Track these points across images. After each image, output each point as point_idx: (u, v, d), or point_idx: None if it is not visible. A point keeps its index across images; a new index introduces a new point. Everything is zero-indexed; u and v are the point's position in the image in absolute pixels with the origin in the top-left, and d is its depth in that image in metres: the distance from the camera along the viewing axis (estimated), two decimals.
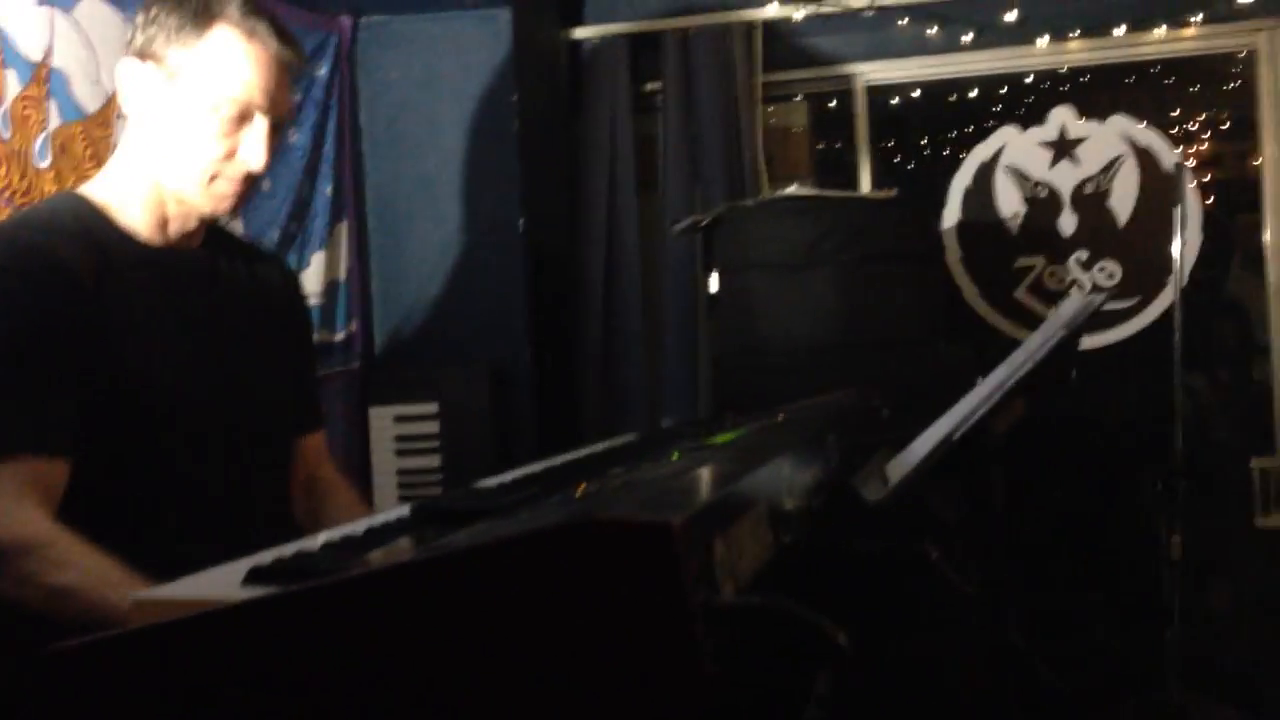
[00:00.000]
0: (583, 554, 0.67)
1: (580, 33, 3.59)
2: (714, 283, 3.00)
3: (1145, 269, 3.37)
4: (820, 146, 4.02)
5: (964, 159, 3.60)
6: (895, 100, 4.35)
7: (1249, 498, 3.29)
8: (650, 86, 3.61)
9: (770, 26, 3.52)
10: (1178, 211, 3.16)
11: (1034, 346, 1.62)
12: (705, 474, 0.98)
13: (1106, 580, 3.52)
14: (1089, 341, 3.43)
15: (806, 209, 2.89)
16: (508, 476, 1.39)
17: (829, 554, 1.51)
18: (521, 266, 3.07)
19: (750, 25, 3.48)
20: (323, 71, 2.95)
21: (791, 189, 3.09)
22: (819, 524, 1.35)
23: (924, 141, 4.94)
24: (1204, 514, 3.04)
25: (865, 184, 3.66)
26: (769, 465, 1.06)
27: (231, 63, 1.39)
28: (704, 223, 3.03)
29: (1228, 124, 5.51)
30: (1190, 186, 3.26)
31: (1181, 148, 5.04)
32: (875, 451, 1.81)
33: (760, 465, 1.03)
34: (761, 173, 3.48)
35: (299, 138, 2.87)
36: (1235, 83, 3.87)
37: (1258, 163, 3.48)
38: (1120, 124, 3.42)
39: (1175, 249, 3.15)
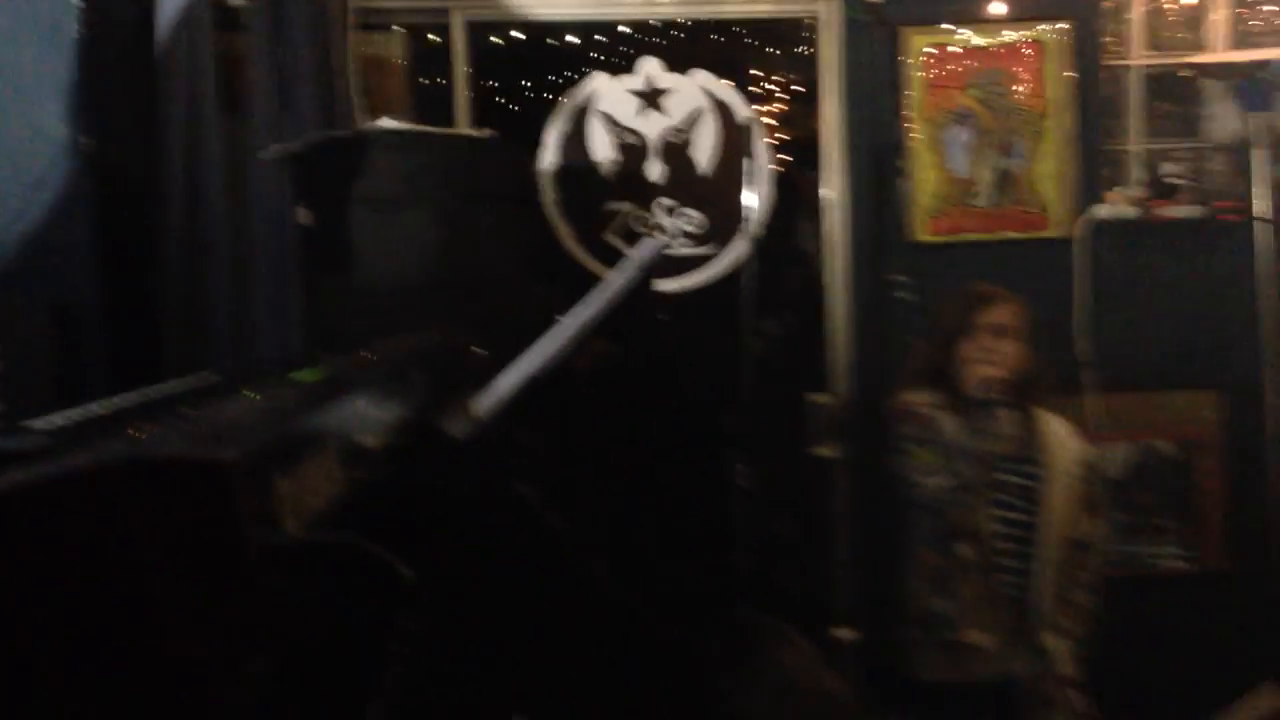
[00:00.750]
0: (139, 493, 0.64)
1: None
2: (304, 215, 2.90)
3: (722, 218, 3.60)
4: (420, 81, 3.95)
5: (562, 103, 3.67)
6: (497, 40, 4.36)
7: (807, 430, 3.62)
8: (236, 1, 3.39)
9: None
10: (749, 165, 3.41)
11: (611, 287, 1.70)
12: (275, 411, 0.95)
13: (682, 510, 3.77)
14: (671, 286, 3.64)
15: (402, 144, 2.85)
16: (65, 416, 1.28)
17: (416, 492, 1.51)
18: (86, 191, 2.82)
19: None
20: None
21: (386, 122, 3.03)
22: (402, 462, 1.34)
23: (524, 83, 4.99)
24: (768, 446, 3.32)
25: (464, 122, 3.65)
26: (345, 402, 1.04)
27: None
28: (294, 152, 2.91)
29: (799, 86, 5.94)
30: (761, 142, 3.51)
31: (758, 106, 5.40)
32: (464, 390, 1.82)
33: (335, 402, 1.01)
34: (356, 104, 3.38)
35: None
36: (805, 48, 4.18)
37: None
38: (702, 78, 3.62)
39: (747, 200, 3.40)
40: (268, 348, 3.33)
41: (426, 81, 3.74)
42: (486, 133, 3.19)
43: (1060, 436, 2.68)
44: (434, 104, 3.67)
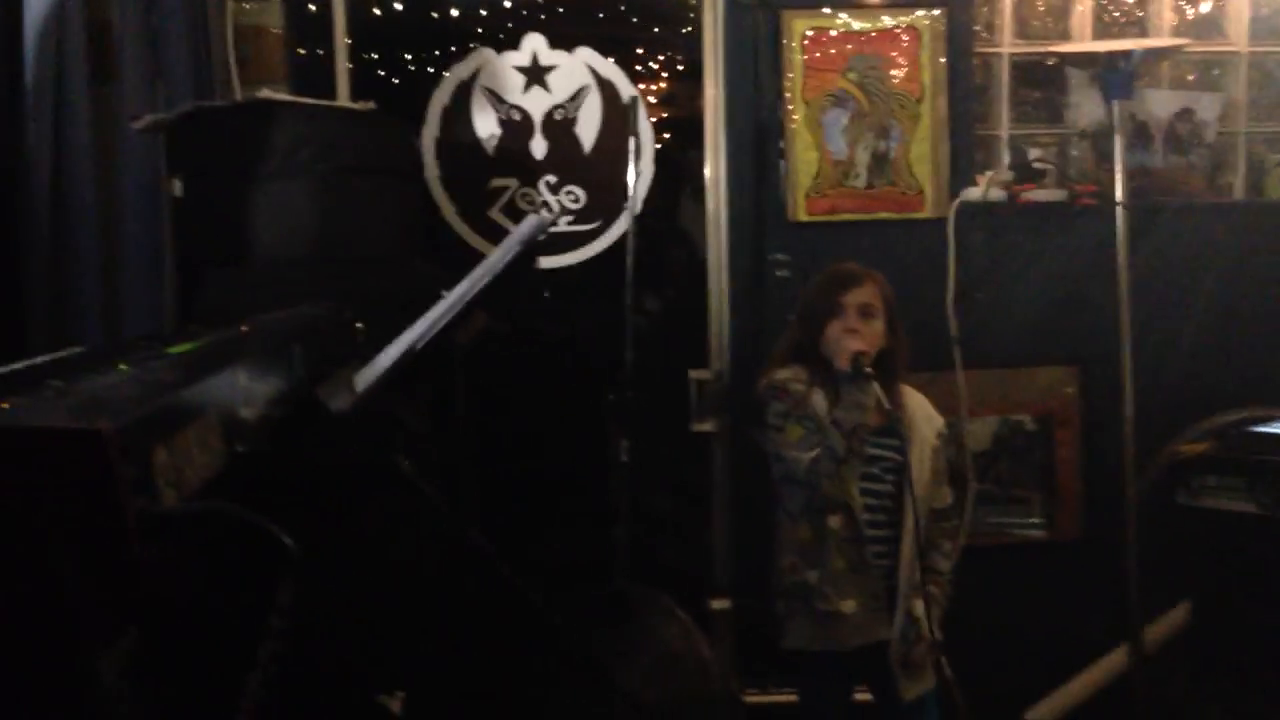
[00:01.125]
0: (11, 462, 0.64)
1: None
2: (178, 187, 2.83)
3: (606, 195, 3.63)
4: (299, 52, 3.88)
5: (445, 77, 3.65)
6: (378, 11, 4.29)
7: (686, 405, 3.68)
8: None
9: None
10: (633, 143, 3.44)
11: (493, 262, 1.71)
12: (150, 383, 0.95)
13: (564, 484, 3.80)
14: (555, 262, 3.66)
15: (280, 115, 2.80)
16: None
17: (297, 463, 1.51)
18: None
19: None
20: None
21: (263, 92, 2.98)
22: (282, 434, 1.34)
23: (406, 56, 4.92)
24: (649, 421, 3.37)
25: (344, 94, 3.60)
26: (223, 375, 1.04)
27: None
28: (167, 122, 2.84)
29: (682, 65, 5.96)
30: (644, 120, 3.54)
31: (642, 84, 5.42)
32: (345, 364, 1.82)
33: (213, 375, 1.01)
34: (232, 73, 3.31)
35: None
36: (689, 27, 4.21)
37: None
38: (586, 55, 3.64)
39: (630, 178, 3.43)
40: (139, 323, 3.25)
41: (305, 52, 3.67)
42: (367, 105, 3.15)
43: (921, 410, 2.80)
44: (313, 75, 3.61)
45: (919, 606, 2.68)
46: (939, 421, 2.83)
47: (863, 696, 2.88)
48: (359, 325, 2.19)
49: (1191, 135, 3.75)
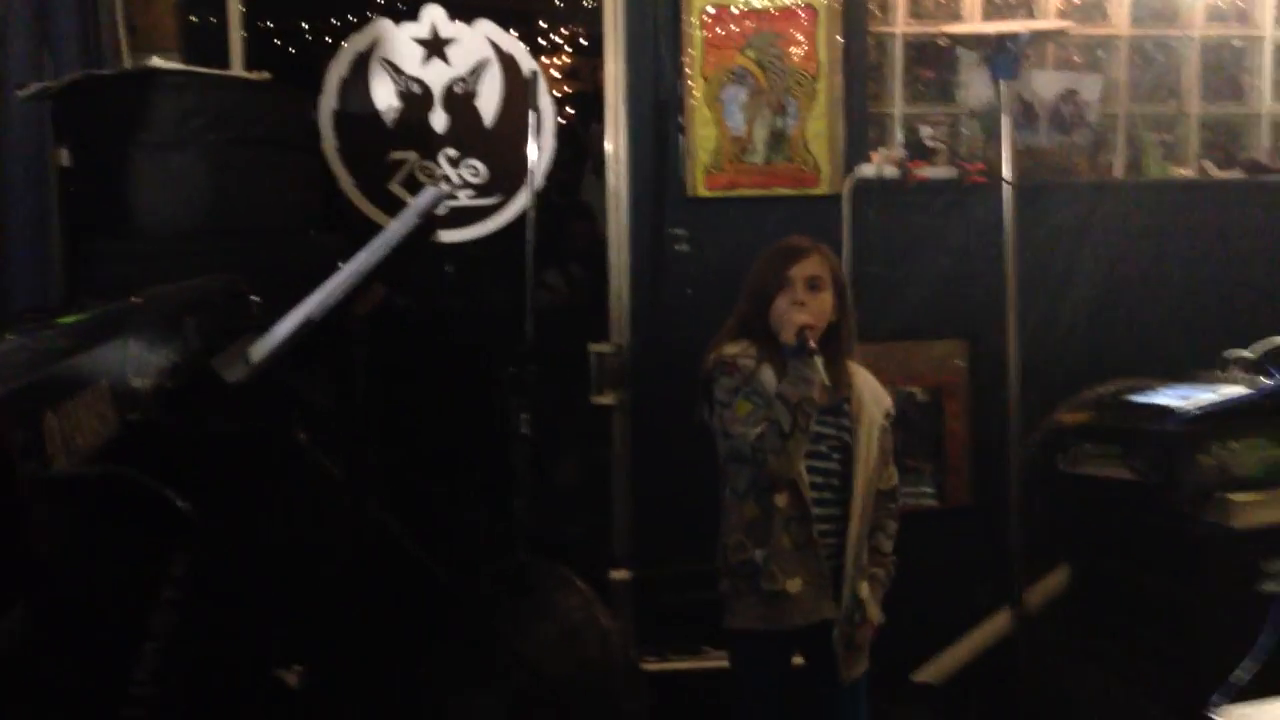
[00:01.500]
0: None
1: None
2: (66, 157, 2.77)
3: (507, 170, 3.62)
4: (192, 20, 3.80)
5: (343, 48, 3.61)
6: None
7: (588, 379, 3.71)
8: None
9: None
10: (533, 117, 3.45)
11: (390, 234, 1.72)
12: (40, 351, 0.95)
13: (465, 457, 3.81)
14: (456, 236, 3.65)
15: (173, 85, 2.75)
16: None
17: (192, 434, 1.51)
18: None
19: None
20: None
21: (155, 61, 2.92)
22: (176, 404, 1.34)
23: (303, 26, 4.85)
24: (550, 394, 3.39)
25: (238, 64, 3.54)
26: (114, 344, 1.04)
27: None
28: (55, 91, 2.77)
29: (585, 40, 5.95)
30: (545, 94, 3.55)
31: (544, 58, 5.41)
32: (241, 336, 1.81)
33: (104, 344, 1.01)
34: (122, 41, 3.23)
35: None
36: (591, 2, 4.22)
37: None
38: (486, 28, 3.62)
39: (531, 152, 3.44)
40: (26, 296, 3.17)
41: (198, 20, 3.60)
42: (261, 75, 3.11)
43: (870, 389, 2.75)
44: (206, 44, 3.54)
45: (865, 588, 2.66)
46: (887, 401, 2.78)
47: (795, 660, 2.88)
48: (255, 298, 2.17)
49: (1075, 115, 3.88)
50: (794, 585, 2.59)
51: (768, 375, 2.59)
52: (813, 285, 2.63)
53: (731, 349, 2.66)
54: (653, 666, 3.24)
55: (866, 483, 2.67)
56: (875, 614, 2.69)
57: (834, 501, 2.65)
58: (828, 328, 2.64)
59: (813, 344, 2.50)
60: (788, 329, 2.54)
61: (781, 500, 2.60)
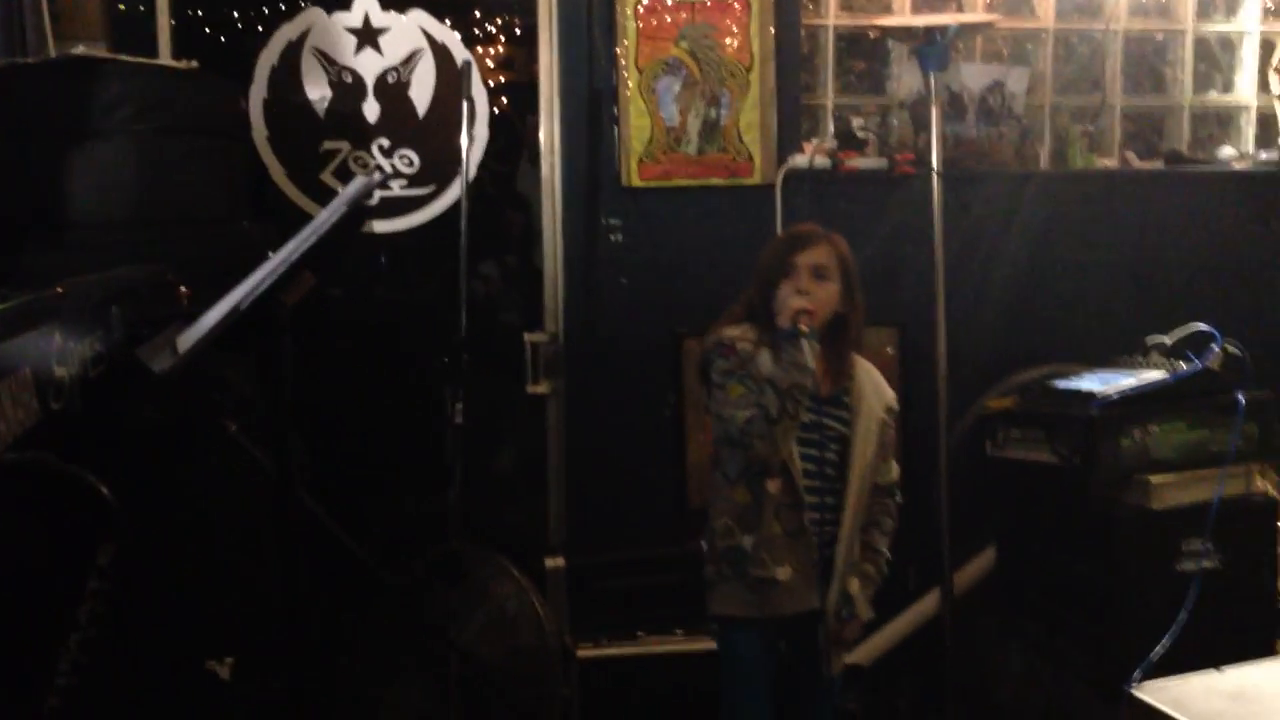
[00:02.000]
0: None
1: None
2: None
3: (440, 159, 3.62)
4: (119, 8, 3.75)
5: (273, 37, 3.57)
6: None
7: (522, 368, 3.72)
8: None
9: None
10: (466, 107, 3.45)
11: (319, 223, 1.72)
12: None
13: (400, 446, 3.81)
14: (390, 226, 3.64)
15: (97, 73, 2.72)
16: None
17: (119, 423, 1.50)
18: None
19: None
20: None
21: (80, 49, 2.88)
22: (101, 393, 1.34)
23: (233, 14, 4.79)
24: (485, 384, 3.39)
25: (166, 53, 3.50)
26: (37, 333, 1.04)
27: None
28: None
29: (520, 30, 5.92)
30: (478, 83, 3.54)
31: (479, 48, 5.39)
32: (168, 325, 1.80)
33: (26, 333, 1.01)
34: (46, 29, 3.17)
35: None
36: None
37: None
38: (420, 18, 3.61)
39: (464, 142, 3.44)
40: None
41: (125, 8, 3.55)
42: (189, 64, 3.07)
43: (871, 382, 2.74)
44: (133, 32, 3.49)
45: (855, 584, 2.66)
46: (889, 396, 2.76)
47: None
48: (184, 288, 2.16)
49: (1001, 107, 3.95)
50: (783, 573, 2.58)
51: (765, 360, 2.55)
52: (818, 274, 2.60)
53: (731, 331, 2.64)
54: (588, 653, 3.25)
55: (862, 476, 2.65)
56: (864, 611, 2.68)
57: (828, 491, 2.63)
58: (834, 318, 2.63)
59: (804, 328, 2.46)
60: (784, 314, 2.51)
61: (774, 487, 2.57)
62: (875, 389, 2.73)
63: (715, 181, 3.75)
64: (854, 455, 2.64)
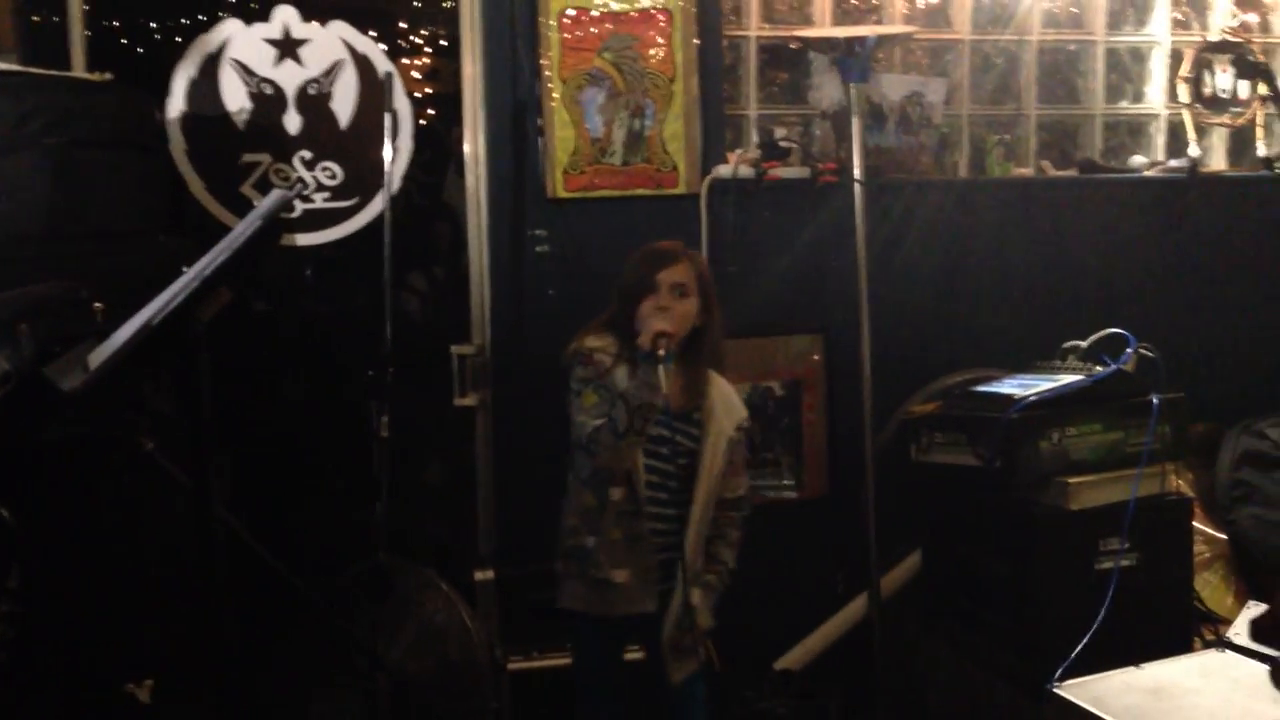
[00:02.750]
0: None
1: None
2: None
3: (364, 171, 3.59)
4: (33, 19, 3.67)
5: (191, 48, 3.52)
6: None
7: (450, 380, 3.70)
8: None
9: None
10: (389, 119, 3.43)
11: (234, 236, 1.70)
12: None
13: (325, 461, 3.76)
14: (314, 239, 3.61)
15: (7, 85, 2.67)
16: None
17: (27, 442, 1.47)
18: None
19: None
20: None
21: None
22: (8, 412, 1.31)
23: (150, 25, 4.72)
24: (412, 396, 3.37)
25: (80, 64, 3.44)
26: None
27: None
28: None
29: (445, 41, 5.90)
30: (401, 95, 3.53)
31: (403, 59, 5.36)
32: (81, 342, 1.77)
33: None
34: None
35: None
36: (449, 2, 4.20)
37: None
38: (340, 29, 3.58)
39: (386, 154, 3.42)
40: None
41: (40, 20, 3.49)
42: (103, 76, 3.02)
43: (723, 400, 2.83)
44: (47, 43, 3.43)
45: (696, 594, 2.74)
46: (741, 413, 2.87)
47: (633, 656, 2.95)
48: (98, 304, 2.12)
49: (921, 117, 4.02)
50: (620, 575, 2.70)
51: (621, 373, 2.66)
52: (679, 291, 2.69)
53: (593, 342, 2.72)
54: (519, 665, 3.25)
55: (708, 491, 2.76)
56: (705, 620, 2.78)
57: (671, 503, 2.74)
58: (691, 333, 2.72)
59: (661, 353, 2.54)
60: (645, 334, 2.58)
61: (617, 494, 2.68)
62: (727, 407, 2.84)
63: (640, 192, 3.77)
64: (701, 470, 2.75)
